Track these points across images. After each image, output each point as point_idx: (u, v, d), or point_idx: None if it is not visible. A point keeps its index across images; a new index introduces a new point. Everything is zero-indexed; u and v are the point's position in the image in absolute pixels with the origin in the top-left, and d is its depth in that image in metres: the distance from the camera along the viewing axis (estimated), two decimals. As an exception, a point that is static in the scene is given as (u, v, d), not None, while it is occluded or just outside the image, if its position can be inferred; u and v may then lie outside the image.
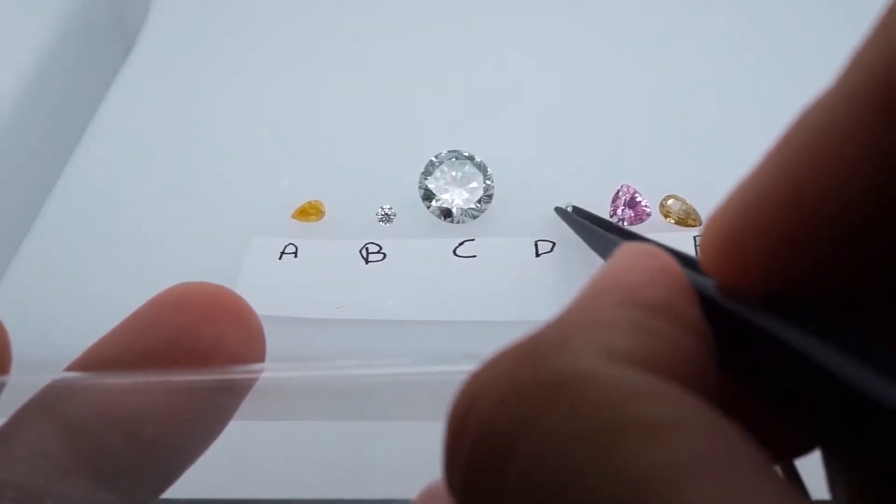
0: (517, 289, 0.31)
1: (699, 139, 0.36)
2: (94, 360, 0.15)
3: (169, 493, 0.16)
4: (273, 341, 0.17)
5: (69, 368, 0.15)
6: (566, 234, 0.31)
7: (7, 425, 0.14)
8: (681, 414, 0.08)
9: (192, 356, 0.15)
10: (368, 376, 0.15)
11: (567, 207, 0.32)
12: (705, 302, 0.11)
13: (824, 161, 0.10)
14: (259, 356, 0.16)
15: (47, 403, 0.14)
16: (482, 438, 0.09)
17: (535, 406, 0.09)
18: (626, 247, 0.12)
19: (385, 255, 0.32)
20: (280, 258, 0.32)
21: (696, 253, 0.31)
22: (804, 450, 0.12)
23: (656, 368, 0.09)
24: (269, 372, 0.15)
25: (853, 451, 0.09)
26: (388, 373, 0.16)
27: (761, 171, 0.11)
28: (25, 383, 0.14)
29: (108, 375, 0.14)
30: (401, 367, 0.15)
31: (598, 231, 0.27)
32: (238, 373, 0.15)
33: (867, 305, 0.10)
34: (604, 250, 0.25)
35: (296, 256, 0.32)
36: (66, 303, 0.32)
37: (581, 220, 0.30)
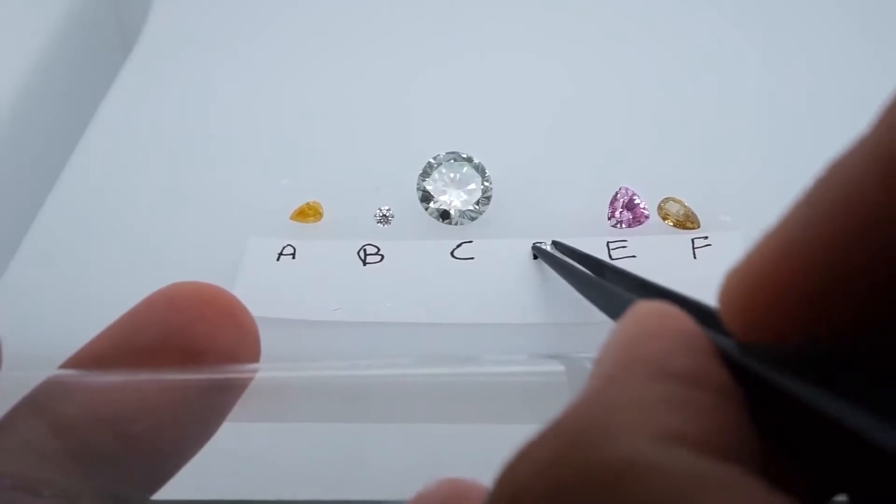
0: (515, 291, 0.31)
1: (698, 141, 0.36)
2: (86, 359, 0.15)
3: (169, 494, 0.16)
4: (271, 343, 0.17)
5: (62, 367, 0.15)
6: (565, 236, 0.31)
7: None
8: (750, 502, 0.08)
9: (184, 354, 0.15)
10: (361, 377, 0.16)
11: (545, 245, 0.31)
12: (728, 361, 0.10)
13: (851, 218, 0.09)
14: (253, 355, 0.16)
15: (39, 401, 0.14)
16: None
17: (592, 502, 0.08)
18: (640, 308, 0.11)
19: (383, 256, 0.32)
20: (278, 259, 0.32)
21: (695, 256, 0.31)
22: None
23: (709, 448, 0.09)
24: (261, 371, 0.15)
25: None
26: (381, 374, 0.16)
27: (790, 226, 0.10)
28: (17, 381, 0.14)
29: (99, 374, 0.14)
30: (395, 368, 0.15)
31: (580, 272, 0.26)
32: (229, 372, 0.15)
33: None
34: (590, 292, 0.24)
35: (294, 258, 0.32)
36: (64, 303, 0.32)
37: (561, 259, 0.29)
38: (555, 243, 0.31)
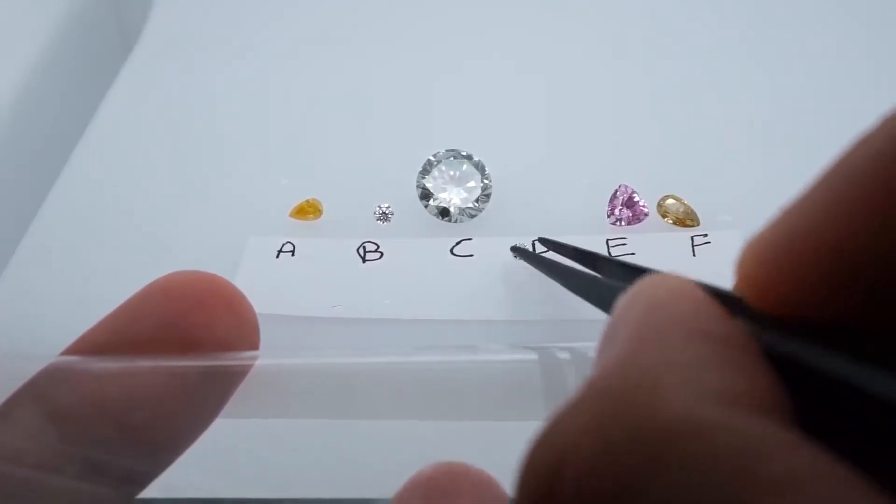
0: (515, 288, 0.31)
1: (698, 139, 0.36)
2: (84, 348, 0.15)
3: (169, 494, 0.16)
4: (270, 340, 0.17)
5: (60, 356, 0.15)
6: (565, 233, 0.31)
7: None
8: (813, 465, 0.07)
9: (182, 344, 0.15)
10: (356, 364, 0.16)
11: (526, 245, 0.31)
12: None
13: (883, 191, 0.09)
14: (251, 344, 0.16)
15: (37, 390, 0.14)
16: None
17: (646, 467, 0.08)
18: (658, 276, 0.11)
19: (382, 253, 0.32)
20: (277, 257, 0.32)
21: (694, 253, 0.31)
22: None
23: (761, 408, 0.08)
24: (259, 360, 0.15)
25: None
26: (376, 361, 0.16)
27: (820, 195, 0.10)
28: (15, 369, 0.14)
29: (97, 360, 0.15)
30: (389, 356, 0.15)
31: (564, 266, 0.26)
32: (226, 359, 0.15)
33: None
34: (576, 285, 0.24)
35: (293, 255, 0.32)
36: (63, 302, 0.32)
37: (542, 256, 0.28)
38: (541, 240, 0.31)
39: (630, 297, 0.11)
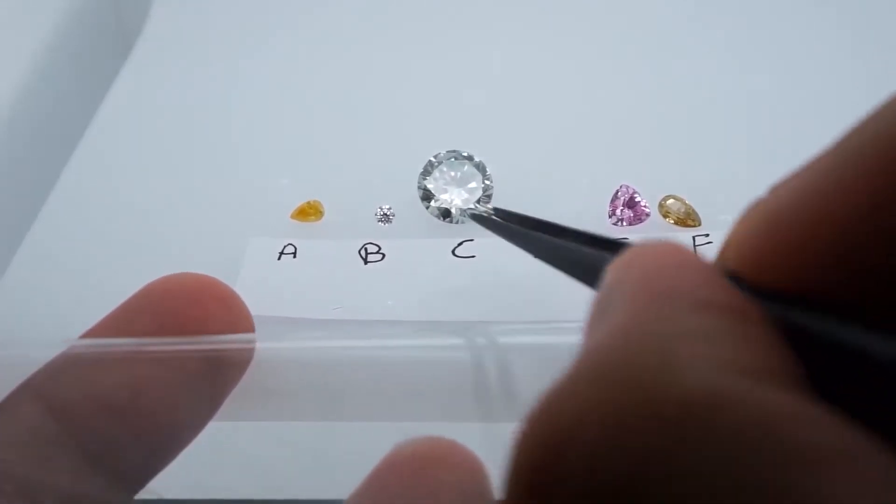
0: (516, 289, 0.31)
1: (699, 139, 0.36)
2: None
3: (169, 494, 0.16)
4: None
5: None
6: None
7: None
8: (842, 439, 0.07)
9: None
10: (352, 348, 0.16)
11: (484, 211, 0.29)
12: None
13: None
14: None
15: (37, 384, 0.14)
16: (596, 488, 0.07)
17: (665, 443, 0.07)
18: (652, 243, 0.10)
19: (384, 255, 0.32)
20: (279, 258, 0.32)
21: (696, 253, 0.31)
22: None
23: (778, 380, 0.08)
24: (256, 343, 0.15)
25: None
26: (373, 346, 0.16)
27: (830, 165, 0.09)
28: (17, 363, 0.14)
29: (96, 346, 0.15)
30: (389, 339, 0.15)
31: (532, 234, 0.24)
32: (224, 342, 0.15)
33: None
34: (540, 249, 0.23)
35: (294, 257, 0.32)
36: (64, 302, 0.32)
37: (499, 221, 0.27)
38: (496, 210, 0.29)
39: (623, 265, 0.10)
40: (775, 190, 0.10)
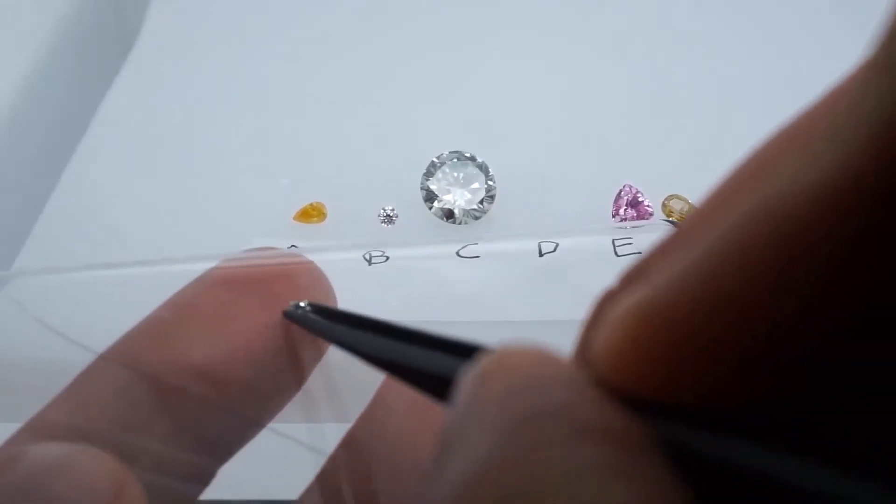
0: (521, 289, 0.31)
1: (702, 138, 0.36)
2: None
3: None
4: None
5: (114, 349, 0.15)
6: (570, 234, 0.31)
7: (86, 371, 0.14)
8: None
9: (265, 299, 0.16)
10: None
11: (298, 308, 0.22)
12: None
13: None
14: (328, 293, 0.18)
15: (126, 349, 0.14)
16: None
17: None
18: (511, 350, 0.09)
19: (388, 257, 0.32)
20: (282, 260, 0.32)
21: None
22: None
23: None
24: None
25: None
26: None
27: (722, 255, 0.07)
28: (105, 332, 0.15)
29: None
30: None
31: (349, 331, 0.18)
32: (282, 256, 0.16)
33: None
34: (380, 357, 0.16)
35: (298, 258, 0.32)
36: (66, 303, 0.32)
37: (321, 321, 0.20)
38: (313, 307, 0.20)
39: (480, 379, 0.09)
40: (651, 290, 0.08)
